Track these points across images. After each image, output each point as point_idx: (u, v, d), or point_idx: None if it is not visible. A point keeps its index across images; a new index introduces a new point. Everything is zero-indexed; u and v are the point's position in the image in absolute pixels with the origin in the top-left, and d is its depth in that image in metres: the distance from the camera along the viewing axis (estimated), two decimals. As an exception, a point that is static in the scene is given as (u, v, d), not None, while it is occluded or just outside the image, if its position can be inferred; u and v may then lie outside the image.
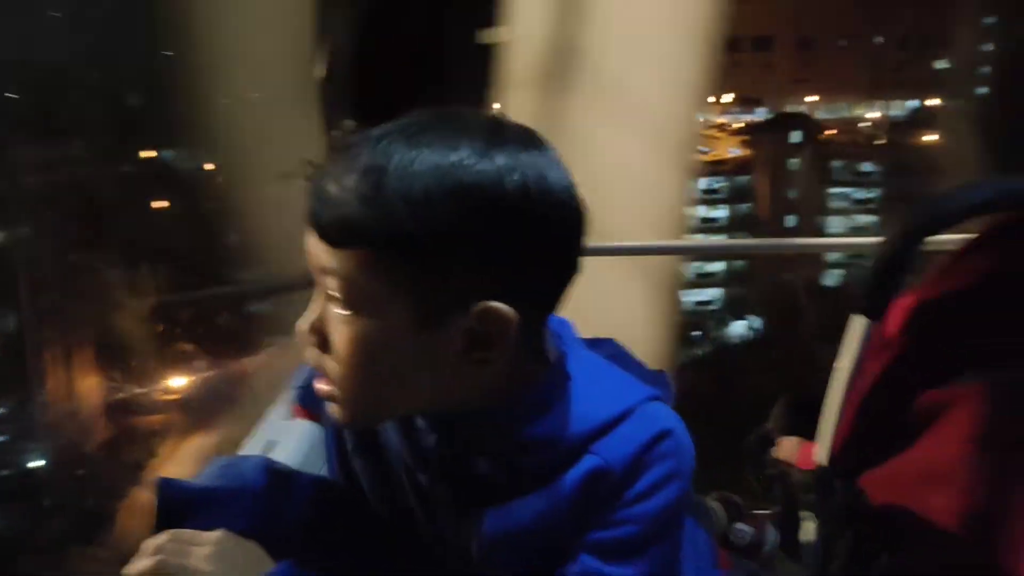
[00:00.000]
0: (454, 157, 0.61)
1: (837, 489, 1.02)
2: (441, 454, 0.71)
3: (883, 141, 27.28)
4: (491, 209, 0.61)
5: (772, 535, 1.15)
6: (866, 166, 26.38)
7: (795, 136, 27.90)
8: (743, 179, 29.36)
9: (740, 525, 1.13)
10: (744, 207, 29.53)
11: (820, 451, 1.04)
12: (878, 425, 0.97)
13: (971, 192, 0.88)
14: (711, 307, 28.70)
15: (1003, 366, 0.87)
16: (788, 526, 1.14)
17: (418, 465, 0.73)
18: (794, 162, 27.82)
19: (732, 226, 29.44)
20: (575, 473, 0.68)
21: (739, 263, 27.15)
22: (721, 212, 30.17)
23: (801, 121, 28.92)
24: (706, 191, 30.31)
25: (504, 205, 0.61)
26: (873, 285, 0.92)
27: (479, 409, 0.69)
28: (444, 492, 0.72)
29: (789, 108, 30.73)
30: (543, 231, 0.64)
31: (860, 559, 1.00)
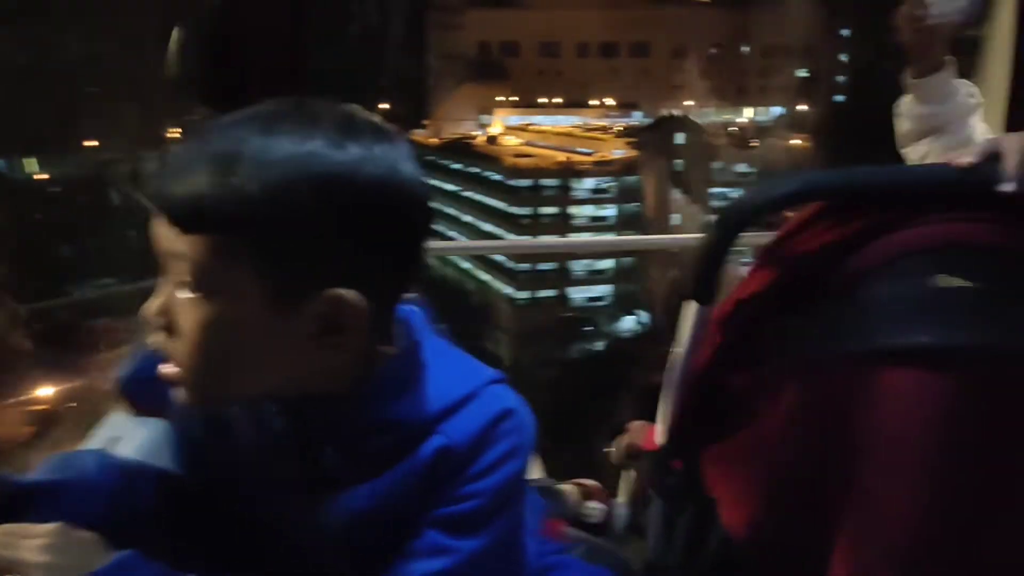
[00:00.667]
0: (309, 146, 0.62)
1: (673, 468, 1.07)
2: (291, 439, 0.72)
3: (756, 143, 28.57)
4: (345, 199, 0.63)
5: (622, 512, 1.20)
6: (742, 167, 27.54)
7: (679, 138, 28.92)
8: (631, 179, 30.19)
9: (591, 503, 1.18)
10: (632, 206, 30.34)
11: (660, 432, 1.08)
12: (707, 406, 1.03)
13: (780, 186, 0.94)
14: (602, 303, 29.40)
15: (809, 351, 0.92)
16: (637, 505, 1.19)
17: (268, 451, 0.74)
18: (678, 162, 28.76)
19: (620, 224, 30.22)
20: (422, 453, 0.70)
21: (628, 260, 27.92)
22: (610, 211, 30.92)
23: (684, 123, 29.97)
24: (595, 190, 31.05)
25: (358, 195, 0.63)
26: (699, 273, 0.97)
27: (330, 393, 0.70)
28: (295, 477, 0.73)
29: (665, 112, 31.69)
30: (394, 222, 0.66)
31: (697, 534, 1.05)
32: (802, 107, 28.18)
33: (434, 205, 0.70)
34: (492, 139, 35.70)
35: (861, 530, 0.89)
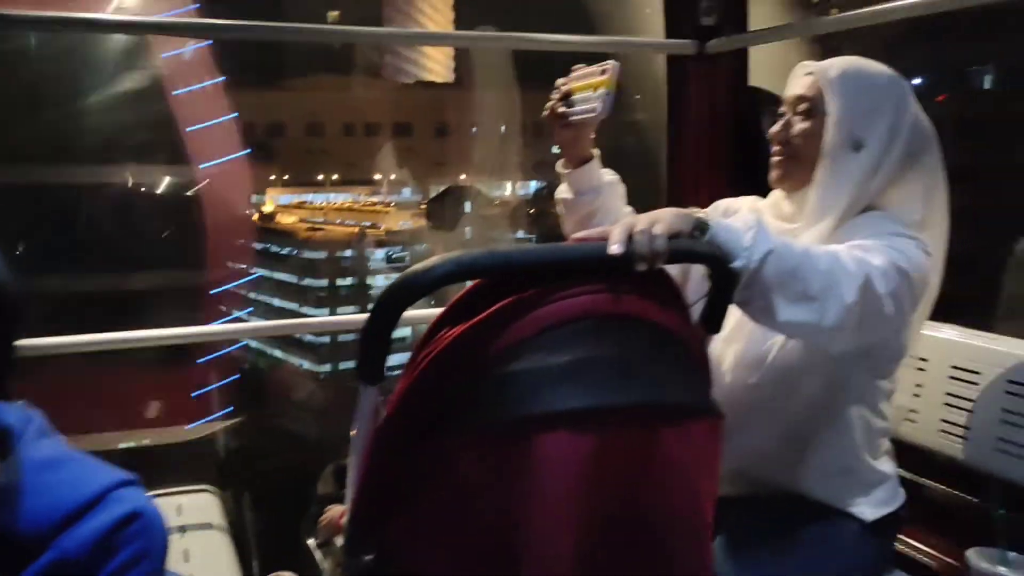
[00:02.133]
0: None
1: (360, 548, 1.05)
2: None
3: (532, 211, 30.07)
4: None
5: None
6: (520, 234, 28.79)
7: (466, 207, 29.86)
8: (421, 247, 30.47)
9: None
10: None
11: (347, 513, 1.06)
12: (388, 483, 1.02)
13: (437, 266, 0.97)
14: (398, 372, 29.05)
15: (473, 423, 0.94)
16: (335, 590, 1.15)
17: None
18: (467, 230, 29.52)
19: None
20: (34, 570, 0.64)
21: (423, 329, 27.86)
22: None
23: (470, 192, 30.94)
24: (388, 260, 31.02)
25: None
26: (364, 353, 0.97)
27: None
28: None
29: (434, 188, 32.56)
30: None
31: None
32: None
33: (19, 301, 0.64)
34: (268, 217, 34.80)
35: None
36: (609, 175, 1.44)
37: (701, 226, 1.06)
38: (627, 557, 0.96)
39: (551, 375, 0.95)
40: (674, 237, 1.02)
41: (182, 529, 1.43)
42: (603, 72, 1.27)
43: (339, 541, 1.14)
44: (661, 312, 1.02)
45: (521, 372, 0.95)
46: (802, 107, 1.30)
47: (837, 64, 1.29)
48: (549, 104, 1.35)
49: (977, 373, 1.37)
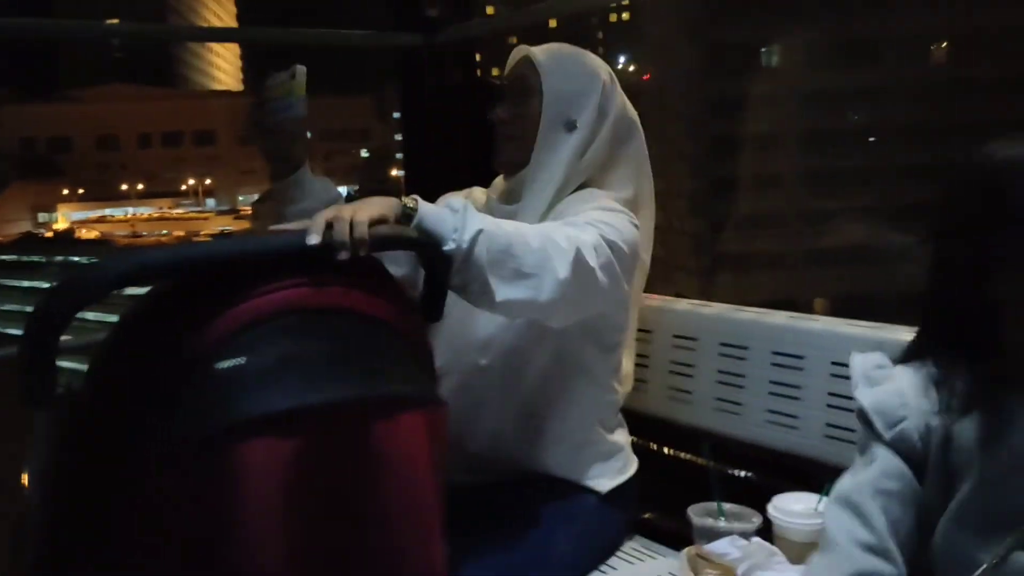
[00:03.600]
0: None
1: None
2: None
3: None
4: None
5: None
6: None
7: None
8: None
9: None
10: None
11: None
12: (69, 516, 0.89)
13: (109, 266, 0.85)
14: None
15: (168, 439, 0.84)
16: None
17: None
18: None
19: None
20: None
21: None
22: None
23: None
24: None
25: None
26: (25, 374, 0.83)
27: None
28: None
29: (241, 197, 31.43)
30: None
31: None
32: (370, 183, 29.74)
33: None
34: (66, 232, 32.16)
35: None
36: (324, 182, 1.34)
37: (408, 212, 1.00)
38: (349, 559, 0.89)
39: (250, 378, 0.87)
40: (380, 225, 0.96)
41: None
42: (292, 77, 1.23)
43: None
44: (371, 302, 0.96)
45: (217, 377, 0.86)
46: (518, 89, 1.29)
47: (549, 49, 1.30)
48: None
49: (695, 340, 1.43)
